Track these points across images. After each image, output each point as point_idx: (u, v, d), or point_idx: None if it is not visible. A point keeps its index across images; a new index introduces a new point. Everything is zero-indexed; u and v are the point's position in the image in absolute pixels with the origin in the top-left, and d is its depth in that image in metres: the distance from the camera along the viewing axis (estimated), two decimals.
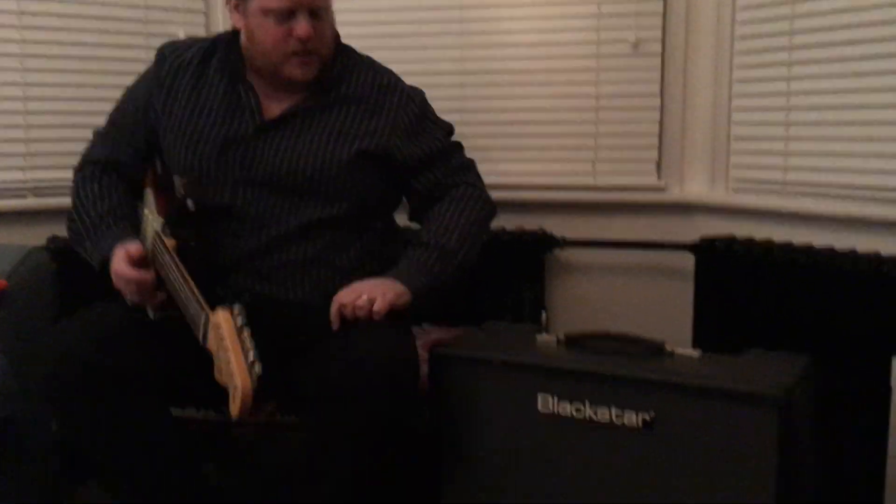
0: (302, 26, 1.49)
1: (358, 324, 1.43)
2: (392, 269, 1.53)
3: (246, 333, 1.23)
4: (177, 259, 1.41)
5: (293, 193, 1.55)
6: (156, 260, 1.48)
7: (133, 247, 1.47)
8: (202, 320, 1.32)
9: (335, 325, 1.44)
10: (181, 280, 1.39)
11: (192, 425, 1.68)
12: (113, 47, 2.20)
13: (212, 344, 1.29)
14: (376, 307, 1.42)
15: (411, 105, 1.63)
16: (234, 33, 1.61)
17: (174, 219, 1.50)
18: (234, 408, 1.20)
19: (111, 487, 1.50)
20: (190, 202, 1.51)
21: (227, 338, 1.23)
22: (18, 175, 2.13)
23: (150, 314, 1.49)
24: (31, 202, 2.13)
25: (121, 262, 1.45)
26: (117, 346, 1.42)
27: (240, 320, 1.25)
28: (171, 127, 1.60)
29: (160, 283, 1.46)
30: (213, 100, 1.59)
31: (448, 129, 1.70)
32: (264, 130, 1.56)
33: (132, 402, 1.41)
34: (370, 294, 1.43)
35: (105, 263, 1.49)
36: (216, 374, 1.27)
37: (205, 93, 1.60)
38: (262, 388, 1.19)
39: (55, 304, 1.85)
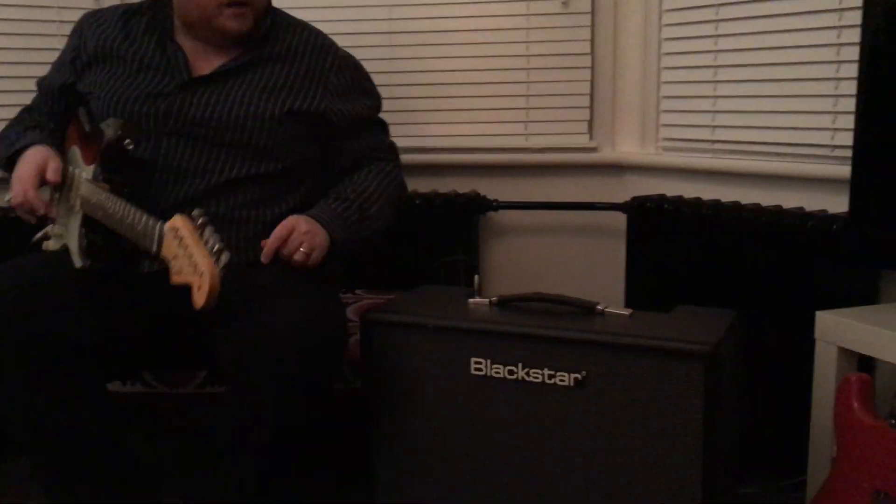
0: None
1: (284, 287, 1.40)
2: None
3: (208, 229, 1.19)
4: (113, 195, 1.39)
5: (219, 146, 1.53)
6: (87, 205, 1.43)
7: (55, 164, 1.44)
8: (156, 230, 1.27)
9: (267, 259, 1.42)
10: (123, 207, 1.36)
11: (118, 398, 1.63)
12: (31, 8, 2.10)
13: (168, 248, 1.23)
14: (312, 261, 1.44)
15: (346, 68, 1.64)
16: None
17: (108, 164, 1.45)
18: (200, 297, 1.14)
19: (33, 457, 1.44)
20: (128, 142, 1.45)
21: (186, 236, 1.18)
22: None
23: (77, 263, 1.43)
24: None
25: (32, 172, 1.42)
26: (39, 299, 1.34)
27: (200, 220, 1.21)
28: (96, 87, 1.58)
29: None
30: (140, 59, 1.57)
31: (378, 103, 1.71)
32: (192, 86, 1.54)
33: (55, 361, 1.34)
34: (310, 244, 1.44)
35: (15, 158, 1.47)
36: (174, 278, 1.21)
37: (131, 53, 1.57)
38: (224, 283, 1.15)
39: None
